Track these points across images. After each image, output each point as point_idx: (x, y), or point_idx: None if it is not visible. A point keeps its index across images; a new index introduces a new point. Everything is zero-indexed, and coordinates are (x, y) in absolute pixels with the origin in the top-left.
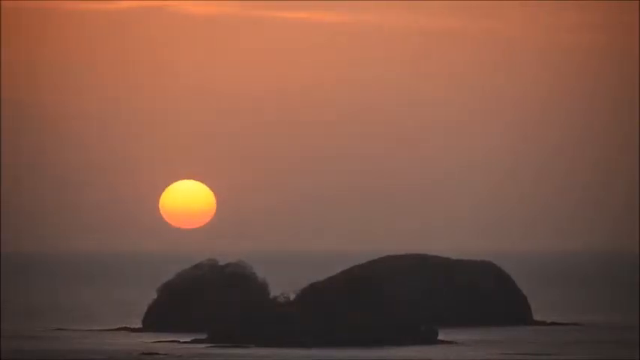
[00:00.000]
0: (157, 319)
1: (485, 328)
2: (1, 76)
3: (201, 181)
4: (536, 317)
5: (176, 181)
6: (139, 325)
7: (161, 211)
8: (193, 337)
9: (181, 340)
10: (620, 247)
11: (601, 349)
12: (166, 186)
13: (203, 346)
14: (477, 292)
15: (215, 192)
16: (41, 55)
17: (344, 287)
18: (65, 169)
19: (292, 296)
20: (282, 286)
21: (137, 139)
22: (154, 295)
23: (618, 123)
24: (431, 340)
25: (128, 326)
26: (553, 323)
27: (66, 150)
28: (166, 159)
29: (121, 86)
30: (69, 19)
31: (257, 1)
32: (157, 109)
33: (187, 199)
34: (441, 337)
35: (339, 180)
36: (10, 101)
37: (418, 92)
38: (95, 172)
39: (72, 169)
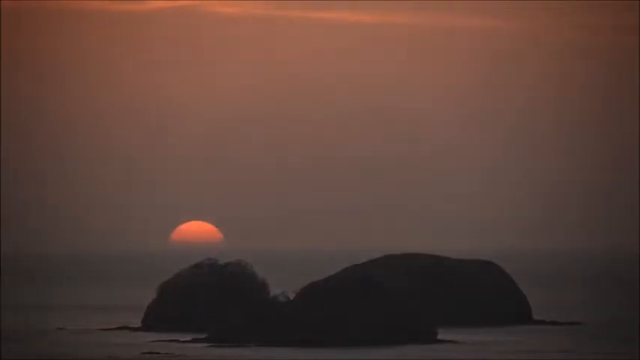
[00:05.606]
0: (156, 318)
1: (486, 328)
2: (2, 76)
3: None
4: (536, 317)
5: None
6: (139, 325)
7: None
8: (193, 337)
9: (181, 340)
10: (620, 247)
11: (601, 348)
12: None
13: (203, 345)
14: (477, 292)
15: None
16: (51, 57)
17: (344, 287)
18: (66, 170)
19: (292, 296)
20: (282, 286)
21: (139, 138)
22: (154, 295)
23: (618, 123)
24: (431, 340)
25: (128, 326)
26: (553, 323)
27: (68, 151)
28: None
29: (130, 89)
30: (82, 20)
31: (285, 1)
32: (167, 114)
33: (195, 234)
34: (440, 337)
35: (340, 180)
36: (11, 101)
37: (416, 91)
38: (96, 171)
39: (73, 170)
